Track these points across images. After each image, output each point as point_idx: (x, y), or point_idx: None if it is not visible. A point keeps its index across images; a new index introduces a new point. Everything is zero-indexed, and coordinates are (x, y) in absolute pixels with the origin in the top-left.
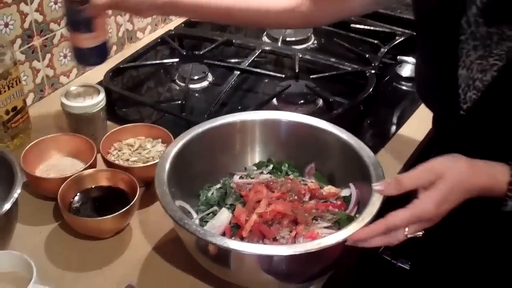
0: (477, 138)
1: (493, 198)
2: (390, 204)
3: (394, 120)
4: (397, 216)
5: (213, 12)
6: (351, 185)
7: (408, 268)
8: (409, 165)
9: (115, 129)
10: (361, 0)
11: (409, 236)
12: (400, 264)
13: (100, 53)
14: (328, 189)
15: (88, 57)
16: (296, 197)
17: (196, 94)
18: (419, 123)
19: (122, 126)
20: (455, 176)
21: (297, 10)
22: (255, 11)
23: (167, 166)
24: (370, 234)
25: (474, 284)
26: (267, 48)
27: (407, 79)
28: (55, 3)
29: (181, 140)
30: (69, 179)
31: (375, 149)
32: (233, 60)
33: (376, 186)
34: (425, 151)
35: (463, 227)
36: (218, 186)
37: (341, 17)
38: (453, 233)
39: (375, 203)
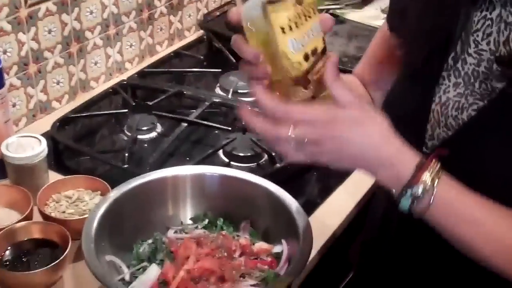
0: None
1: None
2: None
3: (338, 174)
4: (290, 107)
5: None
6: (283, 241)
7: None
8: (349, 220)
9: (54, 181)
10: None
11: (291, 136)
12: None
13: None
14: (260, 245)
15: None
16: (225, 254)
17: (145, 145)
18: (363, 176)
19: (62, 177)
20: (363, 120)
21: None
22: None
23: (96, 220)
24: (261, 103)
25: None
26: (217, 100)
27: None
28: (49, 32)
29: (113, 194)
30: (0, 232)
31: (315, 204)
32: (183, 111)
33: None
34: (368, 205)
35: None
36: (150, 241)
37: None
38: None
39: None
